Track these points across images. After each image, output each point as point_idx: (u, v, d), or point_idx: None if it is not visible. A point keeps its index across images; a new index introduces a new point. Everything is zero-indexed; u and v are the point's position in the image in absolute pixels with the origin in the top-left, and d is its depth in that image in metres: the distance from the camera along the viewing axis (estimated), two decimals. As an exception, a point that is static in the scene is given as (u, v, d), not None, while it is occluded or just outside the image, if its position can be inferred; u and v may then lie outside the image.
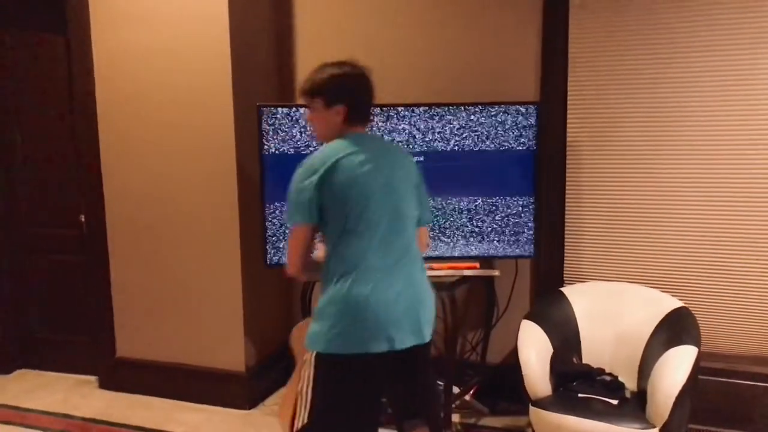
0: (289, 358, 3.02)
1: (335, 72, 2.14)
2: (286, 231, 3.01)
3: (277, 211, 3.15)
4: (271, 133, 3.11)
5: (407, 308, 2.11)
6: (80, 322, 3.90)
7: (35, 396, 3.69)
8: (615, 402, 2.64)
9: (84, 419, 3.41)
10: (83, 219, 3.69)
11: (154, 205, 3.49)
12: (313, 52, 3.59)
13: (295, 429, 2.20)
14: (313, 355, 2.11)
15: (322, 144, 2.19)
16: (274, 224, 3.17)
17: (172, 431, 3.26)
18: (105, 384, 3.75)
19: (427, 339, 2.19)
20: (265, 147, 3.11)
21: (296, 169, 2.11)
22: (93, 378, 3.84)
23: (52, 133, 3.80)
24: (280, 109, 3.10)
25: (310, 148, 3.08)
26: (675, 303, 2.89)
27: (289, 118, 3.11)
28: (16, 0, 3.74)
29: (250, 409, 3.48)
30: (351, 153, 2.08)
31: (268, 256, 3.18)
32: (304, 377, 2.15)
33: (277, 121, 3.11)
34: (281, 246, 3.18)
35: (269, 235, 3.17)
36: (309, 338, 2.13)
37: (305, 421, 2.14)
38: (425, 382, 2.30)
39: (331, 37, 3.55)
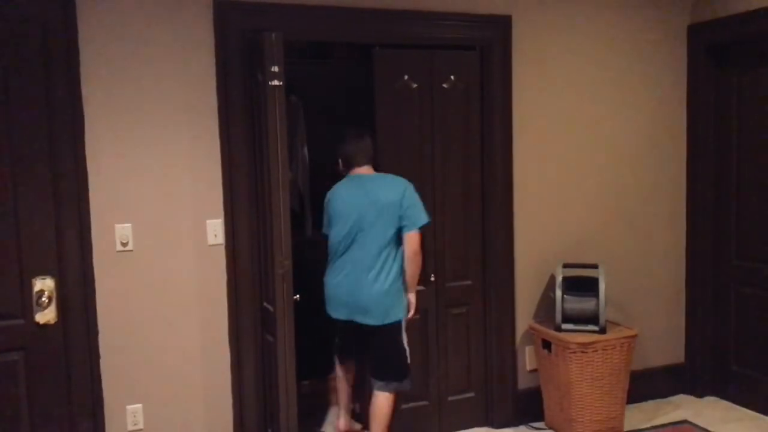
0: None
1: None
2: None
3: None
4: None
5: (348, 294, 3.12)
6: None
7: (731, 428, 3.66)
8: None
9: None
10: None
11: None
12: None
13: None
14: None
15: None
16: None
17: None
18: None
19: (370, 323, 3.10)
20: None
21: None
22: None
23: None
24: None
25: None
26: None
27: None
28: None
29: None
30: (341, 186, 3.20)
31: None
32: None
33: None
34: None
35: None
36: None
37: None
38: (378, 354, 3.18)
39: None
